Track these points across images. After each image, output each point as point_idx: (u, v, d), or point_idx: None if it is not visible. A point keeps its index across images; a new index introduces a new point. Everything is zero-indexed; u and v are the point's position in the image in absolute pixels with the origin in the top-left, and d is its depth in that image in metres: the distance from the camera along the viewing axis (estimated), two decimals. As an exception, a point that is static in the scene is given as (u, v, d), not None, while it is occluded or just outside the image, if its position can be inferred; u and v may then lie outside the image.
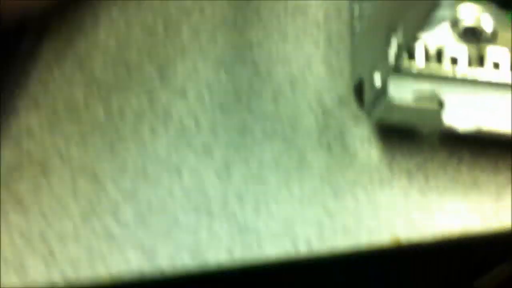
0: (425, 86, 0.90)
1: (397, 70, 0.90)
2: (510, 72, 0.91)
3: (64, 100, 1.00)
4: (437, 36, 0.93)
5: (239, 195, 0.91)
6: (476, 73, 0.92)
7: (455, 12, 0.97)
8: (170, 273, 0.88)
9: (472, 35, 0.95)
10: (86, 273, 0.88)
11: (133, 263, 0.87)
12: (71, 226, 0.88)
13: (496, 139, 0.94)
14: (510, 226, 0.92)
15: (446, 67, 0.92)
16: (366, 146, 1.01)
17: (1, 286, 0.81)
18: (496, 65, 0.92)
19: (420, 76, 0.91)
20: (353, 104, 1.06)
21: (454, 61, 0.92)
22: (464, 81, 0.92)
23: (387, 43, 0.90)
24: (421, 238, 0.92)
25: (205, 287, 0.95)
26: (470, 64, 0.93)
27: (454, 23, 0.95)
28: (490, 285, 1.33)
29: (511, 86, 0.91)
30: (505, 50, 0.92)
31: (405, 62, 0.91)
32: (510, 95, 0.91)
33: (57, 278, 0.86)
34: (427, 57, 0.92)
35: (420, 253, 1.00)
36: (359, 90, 1.03)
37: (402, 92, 0.91)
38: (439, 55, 0.92)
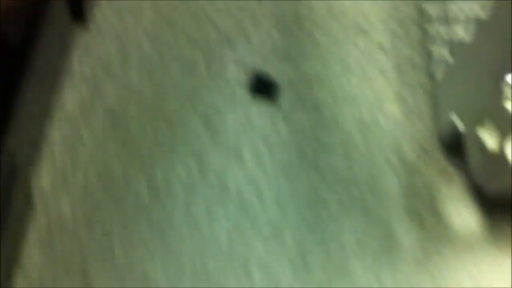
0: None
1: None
2: None
3: (98, 174, 0.80)
4: None
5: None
6: None
7: None
8: None
9: None
10: None
11: None
12: None
13: None
14: None
15: None
16: (462, 213, 0.85)
17: None
18: None
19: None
20: (438, 155, 0.88)
21: None
22: None
23: (498, 92, 0.72)
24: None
25: None
26: None
27: None
28: None
29: None
30: None
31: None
32: None
33: None
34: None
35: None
36: (449, 140, 0.86)
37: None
38: None
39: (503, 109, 0.69)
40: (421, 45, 0.98)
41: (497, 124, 0.69)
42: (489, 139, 0.75)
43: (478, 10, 0.81)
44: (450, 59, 0.87)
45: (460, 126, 0.81)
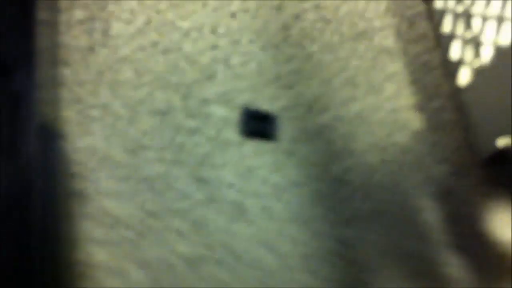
0: None
1: None
2: None
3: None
4: None
5: None
6: None
7: None
8: None
9: None
10: None
11: None
12: None
13: None
14: None
15: None
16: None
17: None
18: None
19: None
20: (474, 170, 0.75)
21: None
22: None
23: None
24: None
25: None
26: None
27: None
28: None
29: None
30: None
31: None
32: None
33: None
34: None
35: None
36: (490, 153, 0.73)
37: None
38: None
39: None
40: (434, 44, 0.83)
41: None
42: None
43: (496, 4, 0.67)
44: (478, 63, 0.72)
45: (505, 143, 0.67)
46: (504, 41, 0.68)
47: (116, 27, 0.80)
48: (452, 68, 0.80)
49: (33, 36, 0.70)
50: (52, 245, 0.65)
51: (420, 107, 0.80)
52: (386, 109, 0.80)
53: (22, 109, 0.65)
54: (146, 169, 0.72)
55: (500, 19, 0.69)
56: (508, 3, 0.67)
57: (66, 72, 0.76)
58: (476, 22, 0.74)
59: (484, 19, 0.72)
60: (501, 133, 0.69)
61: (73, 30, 0.79)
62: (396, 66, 0.82)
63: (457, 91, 0.79)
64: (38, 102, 0.67)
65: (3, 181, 0.61)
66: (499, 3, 0.69)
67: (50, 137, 0.71)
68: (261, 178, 0.74)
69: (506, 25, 0.68)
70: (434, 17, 0.83)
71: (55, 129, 0.71)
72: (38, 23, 0.73)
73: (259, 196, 0.72)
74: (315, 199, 0.73)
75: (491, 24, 0.71)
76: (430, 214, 0.74)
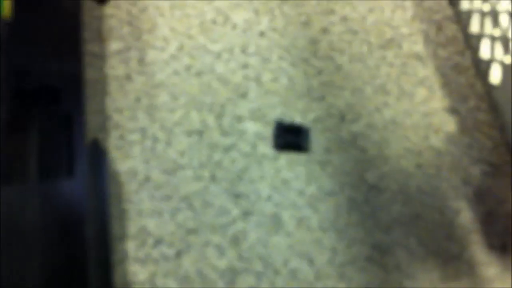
0: None
1: None
2: None
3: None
4: None
5: None
6: None
7: None
8: None
9: None
10: None
11: None
12: None
13: None
14: None
15: None
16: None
17: None
18: None
19: None
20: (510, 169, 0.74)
21: None
22: None
23: None
24: None
25: None
26: None
27: None
28: None
29: None
30: None
31: None
32: None
33: None
34: None
35: None
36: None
37: None
38: None
39: None
40: (464, 46, 0.83)
41: None
42: None
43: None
44: (509, 60, 0.72)
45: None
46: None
47: (151, 55, 0.84)
48: (483, 68, 0.79)
49: (80, 64, 0.74)
50: (100, 265, 0.68)
51: (454, 109, 0.80)
52: (419, 113, 0.80)
53: (74, 131, 0.69)
54: (185, 188, 0.75)
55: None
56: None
57: (106, 100, 0.80)
58: (503, 19, 0.74)
59: (511, 14, 0.71)
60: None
61: (111, 60, 0.83)
62: (427, 71, 0.83)
63: (490, 91, 0.78)
64: (86, 126, 0.71)
65: (62, 200, 0.65)
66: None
67: (100, 158, 0.75)
68: (296, 189, 0.75)
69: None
70: (462, 18, 0.83)
71: (104, 151, 0.75)
72: (84, 53, 0.77)
73: (295, 208, 0.74)
74: (351, 208, 0.74)
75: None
76: (469, 215, 0.73)
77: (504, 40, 0.73)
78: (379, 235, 0.72)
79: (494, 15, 0.76)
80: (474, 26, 0.80)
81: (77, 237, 0.63)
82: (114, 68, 0.83)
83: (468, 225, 0.73)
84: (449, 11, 0.87)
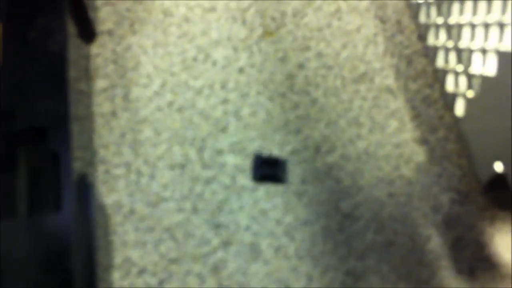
0: None
1: None
2: None
3: None
4: None
5: None
6: None
7: None
8: None
9: None
10: None
11: None
12: None
13: None
14: None
15: None
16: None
17: None
18: None
19: None
20: (478, 197, 0.78)
21: None
22: None
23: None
24: None
25: None
26: None
27: None
28: None
29: None
30: None
31: None
32: None
33: None
34: None
35: None
36: (491, 180, 0.76)
37: None
38: None
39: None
40: (433, 79, 0.88)
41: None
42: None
43: (491, 38, 0.71)
44: (471, 94, 0.76)
45: (504, 171, 0.71)
46: (490, 72, 0.72)
47: (135, 92, 0.88)
48: (450, 100, 0.84)
49: (67, 103, 0.78)
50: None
51: (424, 140, 0.85)
52: (391, 144, 0.84)
53: (61, 167, 0.73)
54: (168, 220, 0.79)
55: (484, 51, 0.74)
56: (491, 35, 0.72)
57: (93, 136, 0.84)
58: (464, 56, 0.79)
59: (471, 52, 0.76)
60: (498, 158, 0.73)
61: (97, 98, 0.87)
62: (398, 103, 0.87)
63: (456, 122, 0.83)
64: (72, 162, 0.75)
65: (50, 233, 0.69)
66: (482, 35, 0.74)
67: (87, 193, 0.79)
68: (274, 219, 0.79)
69: (490, 57, 0.72)
70: (429, 53, 0.88)
71: (90, 186, 0.79)
72: (71, 91, 0.81)
73: (273, 237, 0.78)
74: (325, 236, 0.78)
75: (478, 56, 0.75)
76: (439, 241, 0.77)
77: (466, 75, 0.78)
78: (352, 262, 0.76)
79: (457, 51, 0.80)
80: (440, 61, 0.85)
81: (64, 268, 0.67)
82: (100, 105, 0.87)
83: (438, 251, 0.77)
84: (418, 46, 0.92)
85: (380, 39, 0.93)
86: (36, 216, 0.69)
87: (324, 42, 0.93)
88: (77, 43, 0.91)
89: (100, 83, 0.89)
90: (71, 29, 0.89)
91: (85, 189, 0.78)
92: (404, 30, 0.94)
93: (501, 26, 0.69)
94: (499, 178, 0.74)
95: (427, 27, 0.89)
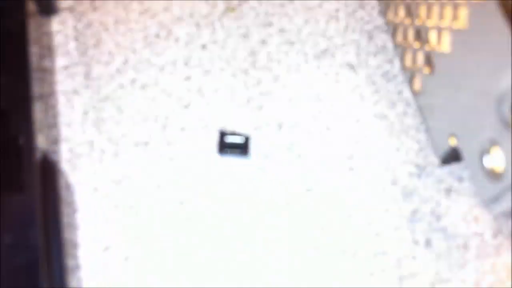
0: None
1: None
2: None
3: None
4: None
5: None
6: None
7: None
8: None
9: None
10: None
11: None
12: None
13: None
14: None
15: None
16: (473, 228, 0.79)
17: None
18: None
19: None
20: (436, 170, 0.82)
21: None
22: None
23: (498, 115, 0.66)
24: None
25: None
26: None
27: None
28: None
29: None
30: None
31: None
32: None
33: None
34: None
35: None
36: (447, 154, 0.79)
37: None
38: None
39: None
40: (393, 54, 0.91)
41: (504, 149, 0.63)
42: (495, 163, 0.68)
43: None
44: (427, 70, 0.79)
45: (458, 144, 0.74)
46: (445, 49, 0.75)
47: (97, 69, 0.89)
48: (408, 76, 0.87)
49: (28, 82, 0.79)
50: (55, 271, 0.73)
51: (383, 115, 0.87)
52: (352, 119, 0.87)
53: (23, 150, 0.74)
54: (132, 197, 0.81)
55: (439, 29, 0.76)
56: (446, 13, 0.74)
57: (55, 114, 0.85)
58: (421, 33, 0.81)
59: (427, 29, 0.79)
60: (452, 132, 0.76)
61: (58, 76, 0.88)
62: (359, 79, 0.90)
63: (414, 97, 0.86)
64: (35, 142, 0.76)
65: (12, 214, 0.70)
66: (438, 13, 0.76)
67: (50, 172, 0.80)
68: (238, 196, 0.81)
69: (445, 34, 0.75)
70: (390, 28, 0.90)
71: (54, 165, 0.80)
72: (30, 70, 0.82)
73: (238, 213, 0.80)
74: (287, 211, 0.80)
75: (434, 34, 0.78)
76: (396, 213, 0.80)
77: (424, 51, 0.81)
78: (314, 233, 0.79)
79: (414, 28, 0.83)
80: (399, 37, 0.88)
81: (29, 246, 0.69)
82: (62, 83, 0.88)
83: (395, 223, 0.80)
84: (379, 21, 0.94)
85: (341, 14, 0.95)
86: (-1, 198, 0.70)
87: (286, 17, 0.94)
88: (38, 21, 0.91)
89: (61, 61, 0.89)
90: (32, 6, 0.89)
91: (49, 168, 0.80)
92: (365, 6, 0.96)
93: (455, 5, 0.72)
94: (453, 152, 0.78)
95: (387, 3, 0.91)
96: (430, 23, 0.78)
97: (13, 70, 0.77)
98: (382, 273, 0.77)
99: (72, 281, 0.75)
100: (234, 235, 0.79)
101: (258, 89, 0.89)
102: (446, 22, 0.74)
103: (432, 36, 0.78)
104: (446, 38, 0.75)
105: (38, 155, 0.74)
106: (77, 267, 0.76)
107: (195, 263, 0.77)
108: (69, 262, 0.76)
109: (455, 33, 0.72)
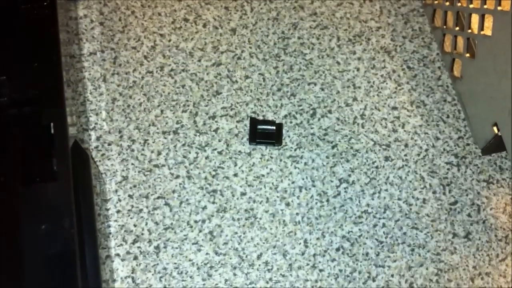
0: None
1: None
2: None
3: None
4: None
5: None
6: None
7: None
8: None
9: None
10: None
11: None
12: None
13: None
14: None
15: None
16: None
17: None
18: None
19: None
20: (476, 160, 0.81)
21: None
22: None
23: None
24: None
25: None
26: None
27: None
28: None
29: None
30: None
31: None
32: None
33: None
34: None
35: None
36: (488, 143, 0.78)
37: None
38: None
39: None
40: (430, 38, 0.89)
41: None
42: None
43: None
44: (468, 56, 0.78)
45: (499, 133, 0.73)
46: (488, 33, 0.73)
47: (124, 55, 0.88)
48: (447, 61, 0.85)
49: (59, 69, 0.78)
50: (90, 262, 0.73)
51: (421, 102, 0.86)
52: (388, 106, 0.86)
53: (55, 138, 0.74)
54: (162, 186, 0.81)
55: (482, 12, 0.75)
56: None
57: (83, 102, 0.85)
58: (462, 16, 0.79)
59: (469, 12, 0.77)
60: (494, 120, 0.75)
61: (85, 62, 0.88)
62: (394, 64, 0.88)
63: (453, 83, 0.84)
64: (67, 131, 0.76)
65: (47, 203, 0.71)
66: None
67: (82, 161, 0.80)
68: (269, 185, 0.81)
69: (488, 18, 0.73)
70: (427, 12, 0.89)
71: (86, 154, 0.80)
72: (61, 57, 0.81)
73: (268, 203, 0.80)
74: (321, 201, 0.80)
75: (476, 17, 0.76)
76: (435, 205, 0.79)
77: (465, 35, 0.79)
78: (349, 227, 0.78)
79: (455, 10, 0.81)
80: (438, 21, 0.86)
81: (65, 236, 0.69)
82: (89, 69, 0.88)
83: (433, 215, 0.79)
84: (416, 4, 0.93)
85: (376, -4, 0.93)
86: (33, 186, 0.71)
87: (318, 0, 0.93)
88: (64, 5, 0.91)
89: (88, 47, 0.89)
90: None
91: (81, 156, 0.80)
92: (400, -13, 0.94)
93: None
94: (494, 141, 0.76)
95: (424, -16, 0.89)
96: (472, 5, 0.76)
97: (44, 57, 0.76)
98: (421, 266, 0.77)
99: (103, 271, 0.75)
100: (266, 224, 0.79)
101: (290, 75, 0.88)
102: (490, 4, 0.73)
103: (474, 19, 0.76)
104: (490, 22, 0.73)
105: (70, 143, 0.74)
106: (108, 257, 0.76)
107: (228, 250, 0.77)
108: (103, 253, 0.76)
109: (499, 16, 0.70)
